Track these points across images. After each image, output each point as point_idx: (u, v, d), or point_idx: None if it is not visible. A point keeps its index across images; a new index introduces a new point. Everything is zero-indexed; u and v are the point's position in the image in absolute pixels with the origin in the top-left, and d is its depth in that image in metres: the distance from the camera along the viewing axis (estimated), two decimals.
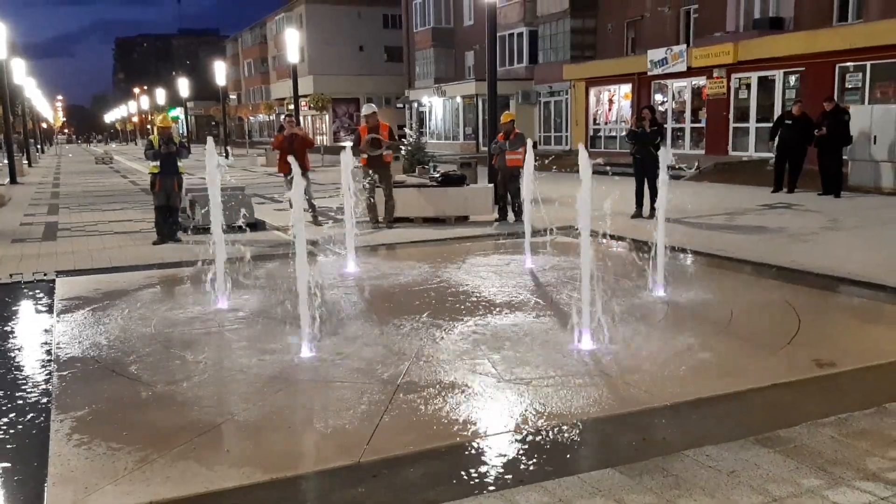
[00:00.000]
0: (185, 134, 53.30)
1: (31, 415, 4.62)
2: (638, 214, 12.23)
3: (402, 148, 13.11)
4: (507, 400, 4.60)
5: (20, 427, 4.46)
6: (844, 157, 14.97)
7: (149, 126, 74.27)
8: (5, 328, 6.77)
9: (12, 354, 5.98)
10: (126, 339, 6.10)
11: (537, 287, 7.78)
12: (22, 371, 5.52)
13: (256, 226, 11.68)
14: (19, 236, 12.21)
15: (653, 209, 9.16)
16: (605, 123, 30.12)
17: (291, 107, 28.95)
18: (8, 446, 4.20)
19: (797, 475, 3.54)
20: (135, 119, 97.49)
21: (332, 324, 6.31)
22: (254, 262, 8.78)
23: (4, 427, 4.45)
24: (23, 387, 5.14)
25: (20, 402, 4.86)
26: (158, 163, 10.67)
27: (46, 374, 5.33)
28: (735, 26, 24.77)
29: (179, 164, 10.85)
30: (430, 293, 7.49)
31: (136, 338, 6.15)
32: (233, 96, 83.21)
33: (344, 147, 8.90)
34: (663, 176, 6.94)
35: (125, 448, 4.02)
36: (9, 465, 3.97)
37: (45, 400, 4.83)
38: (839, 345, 5.57)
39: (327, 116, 56.65)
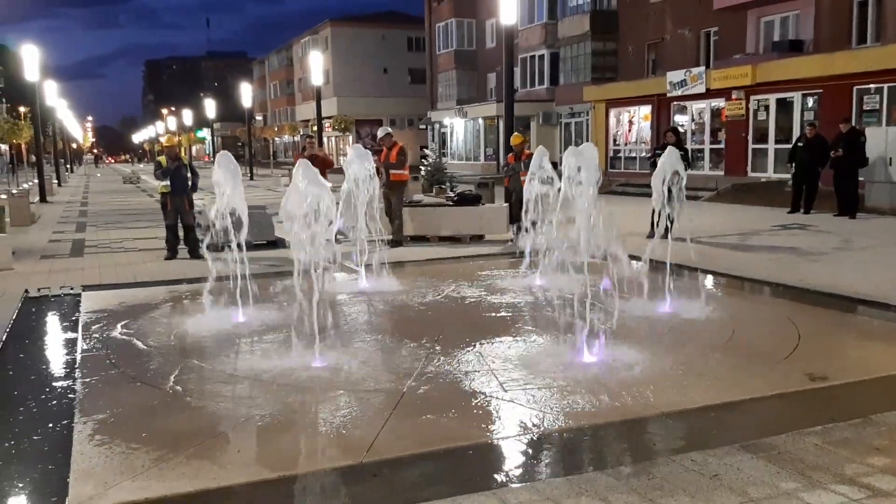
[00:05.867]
0: (209, 153, 54.08)
1: (57, 417, 4.88)
2: (653, 234, 12.36)
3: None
4: (506, 408, 4.80)
5: (47, 428, 4.72)
6: (861, 179, 15.04)
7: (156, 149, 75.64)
8: (34, 338, 7.10)
9: (40, 362, 6.29)
10: (147, 349, 6.39)
11: (544, 303, 7.96)
12: (49, 377, 5.80)
13: (276, 243, 12.03)
14: (48, 252, 12.64)
15: (667, 229, 9.33)
16: (625, 144, 30.30)
17: (315, 128, 29.48)
18: (35, 445, 4.47)
19: (777, 479, 3.70)
20: (163, 140, 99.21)
21: (343, 336, 6.55)
22: (271, 278, 9.07)
23: (33, 428, 4.72)
24: (50, 392, 5.42)
25: (47, 405, 5.14)
26: (169, 182, 11.10)
27: (71, 381, 5.60)
28: (755, 49, 24.91)
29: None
30: (440, 308, 7.72)
31: (156, 348, 6.43)
32: (259, 117, 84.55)
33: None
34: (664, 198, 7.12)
35: (143, 448, 4.26)
36: (36, 461, 4.23)
37: (69, 404, 5.09)
38: (835, 360, 5.71)
39: (350, 137, 57.31)
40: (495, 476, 3.88)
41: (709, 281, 9.07)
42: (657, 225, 7.86)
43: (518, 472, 3.94)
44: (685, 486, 3.64)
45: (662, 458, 3.96)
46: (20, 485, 3.96)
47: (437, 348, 6.15)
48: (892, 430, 4.26)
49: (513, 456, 4.14)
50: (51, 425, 4.75)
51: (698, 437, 4.32)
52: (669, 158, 7.07)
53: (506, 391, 5.09)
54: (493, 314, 7.37)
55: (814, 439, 4.15)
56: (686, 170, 12.59)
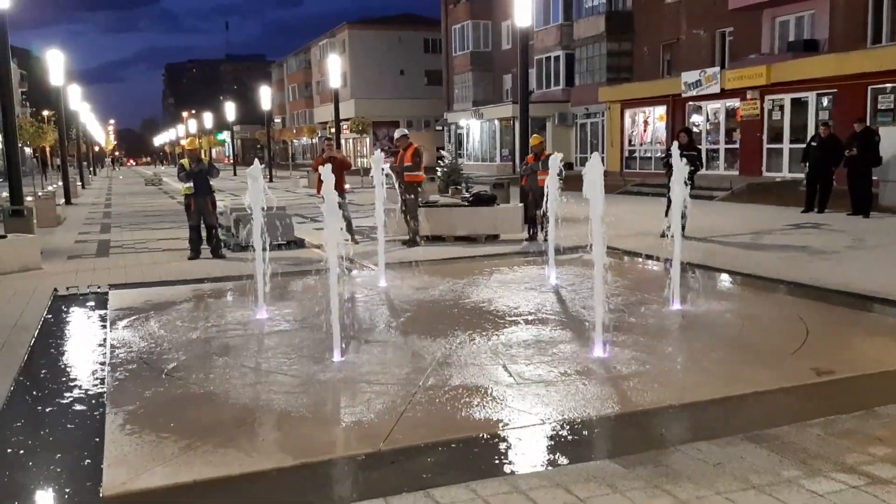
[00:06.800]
0: (229, 156, 54.62)
1: (90, 409, 5.11)
2: (666, 233, 12.49)
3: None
4: (518, 400, 4.96)
5: (80, 419, 4.96)
6: (875, 178, 15.07)
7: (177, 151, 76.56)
8: (65, 335, 7.37)
9: (72, 358, 6.53)
10: (173, 345, 6.62)
11: (558, 300, 8.14)
12: (81, 372, 6.03)
13: (297, 243, 12.27)
14: (75, 253, 12.96)
15: (682, 228, 9.48)
16: (641, 145, 30.34)
17: (333, 130, 29.79)
18: (70, 434, 4.71)
19: (779, 467, 3.84)
20: (183, 142, 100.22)
21: (362, 332, 6.76)
22: (292, 277, 9.29)
23: (67, 418, 4.97)
24: (82, 385, 5.65)
25: (80, 397, 5.37)
26: (192, 184, 11.37)
27: (102, 375, 5.83)
28: (770, 49, 24.90)
29: (212, 182, 11.56)
30: (455, 305, 7.90)
31: (182, 343, 6.66)
32: (277, 120, 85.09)
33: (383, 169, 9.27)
34: (677, 197, 7.28)
35: (172, 437, 4.47)
36: (72, 449, 4.46)
37: (101, 396, 5.32)
38: (842, 355, 5.82)
39: (368, 139, 57.62)
40: (507, 463, 4.06)
41: (720, 278, 9.19)
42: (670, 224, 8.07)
43: (529, 459, 4.11)
44: (689, 473, 3.80)
45: (668, 448, 4.11)
46: (58, 471, 4.18)
47: (452, 343, 6.33)
48: (895, 422, 4.39)
49: (524, 445, 4.31)
50: (83, 416, 4.99)
51: (704, 428, 4.47)
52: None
53: (518, 384, 5.26)
54: (507, 311, 7.54)
55: (816, 430, 4.29)
56: (698, 170, 12.75)
